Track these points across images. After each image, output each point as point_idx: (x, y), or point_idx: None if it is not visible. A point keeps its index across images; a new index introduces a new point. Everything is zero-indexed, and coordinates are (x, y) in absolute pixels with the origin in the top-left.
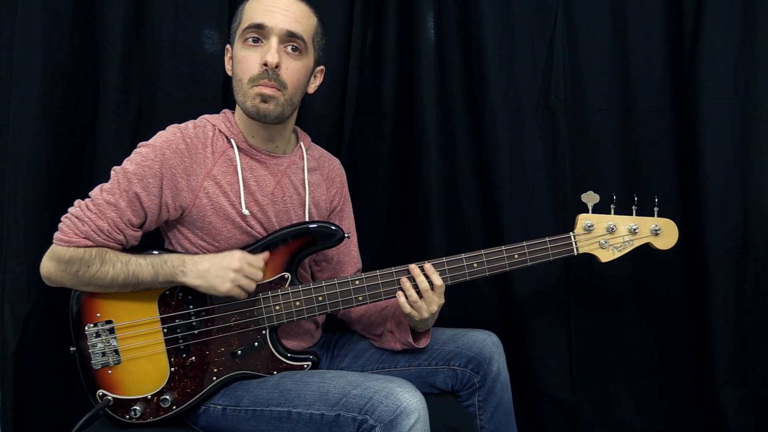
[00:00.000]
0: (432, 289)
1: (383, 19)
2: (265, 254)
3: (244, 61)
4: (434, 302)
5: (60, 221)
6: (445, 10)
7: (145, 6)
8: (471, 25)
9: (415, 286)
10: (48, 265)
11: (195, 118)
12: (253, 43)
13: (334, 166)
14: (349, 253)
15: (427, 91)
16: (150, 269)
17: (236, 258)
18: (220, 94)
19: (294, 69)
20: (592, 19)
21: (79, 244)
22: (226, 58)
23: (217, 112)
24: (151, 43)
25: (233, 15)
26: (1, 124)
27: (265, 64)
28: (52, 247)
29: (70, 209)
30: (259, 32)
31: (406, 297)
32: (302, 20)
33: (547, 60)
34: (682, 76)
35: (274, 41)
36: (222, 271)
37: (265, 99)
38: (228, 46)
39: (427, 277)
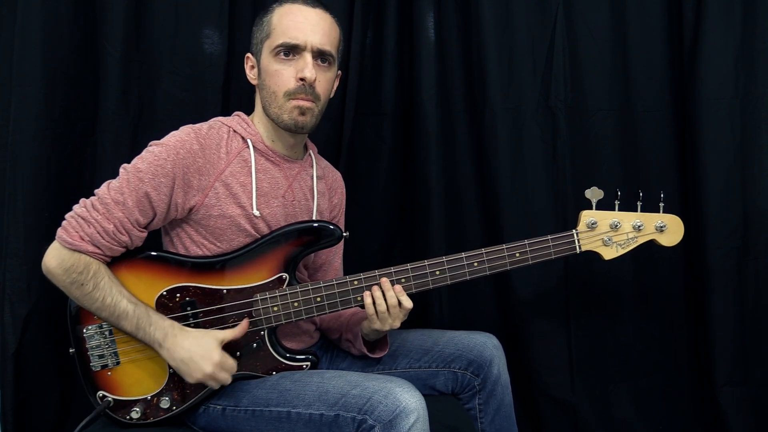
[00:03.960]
0: (400, 306)
1: (383, 19)
2: (245, 323)
3: (278, 75)
4: (398, 319)
5: (64, 219)
6: (445, 10)
7: (145, 6)
8: (471, 25)
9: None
10: (51, 262)
11: (195, 118)
12: (285, 57)
13: (336, 177)
14: (333, 259)
15: (427, 91)
16: (133, 323)
17: (216, 349)
18: (219, 94)
19: (325, 80)
20: (592, 19)
21: (82, 249)
22: (248, 67)
23: (217, 112)
24: (151, 43)
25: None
26: (1, 124)
27: (302, 79)
28: (58, 245)
29: (76, 208)
30: (293, 49)
31: (375, 307)
32: (330, 34)
33: (547, 60)
34: (682, 76)
35: (308, 57)
36: (201, 361)
37: (302, 111)
38: (249, 54)
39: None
